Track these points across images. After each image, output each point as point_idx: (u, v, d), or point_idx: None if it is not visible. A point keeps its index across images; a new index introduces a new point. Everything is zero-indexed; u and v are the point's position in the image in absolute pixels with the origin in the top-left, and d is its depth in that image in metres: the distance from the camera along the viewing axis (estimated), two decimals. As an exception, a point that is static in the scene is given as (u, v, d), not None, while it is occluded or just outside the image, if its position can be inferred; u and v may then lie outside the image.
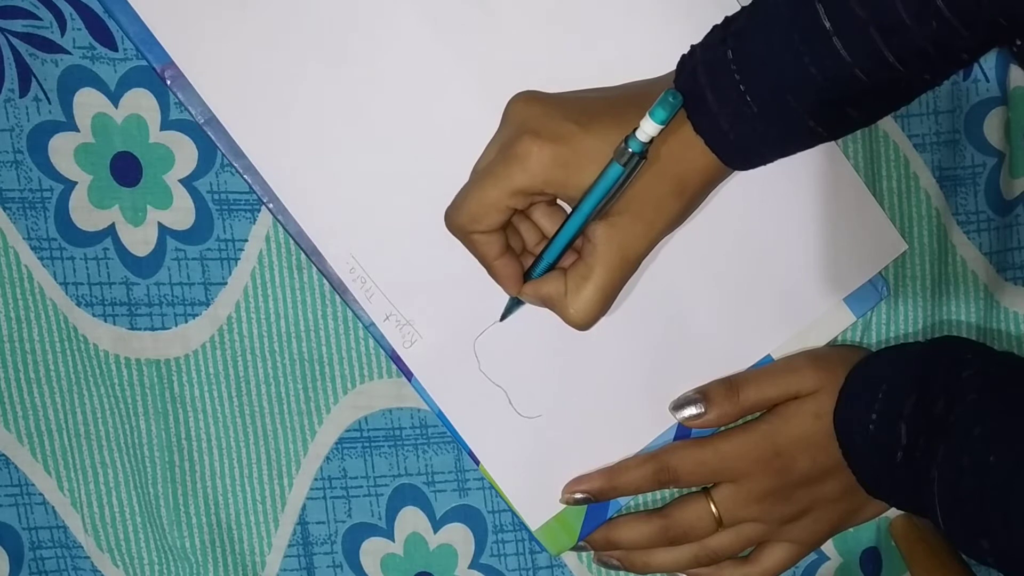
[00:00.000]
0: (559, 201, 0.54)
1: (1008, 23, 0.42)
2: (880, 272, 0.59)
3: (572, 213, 0.51)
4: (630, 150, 0.49)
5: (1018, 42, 0.47)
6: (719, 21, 0.51)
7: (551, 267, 0.54)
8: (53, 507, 0.63)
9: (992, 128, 0.58)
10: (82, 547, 0.63)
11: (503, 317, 0.58)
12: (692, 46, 0.50)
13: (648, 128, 0.48)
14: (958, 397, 0.51)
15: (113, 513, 0.63)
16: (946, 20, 0.42)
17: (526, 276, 0.54)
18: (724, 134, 0.48)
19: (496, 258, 0.53)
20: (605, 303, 0.52)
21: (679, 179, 0.50)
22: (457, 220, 0.52)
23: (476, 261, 0.54)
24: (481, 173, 0.52)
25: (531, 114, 0.51)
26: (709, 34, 0.49)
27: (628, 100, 0.51)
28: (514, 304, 0.57)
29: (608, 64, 0.56)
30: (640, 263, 0.52)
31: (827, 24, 0.44)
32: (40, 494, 0.63)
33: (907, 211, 0.59)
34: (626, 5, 0.56)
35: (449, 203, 0.53)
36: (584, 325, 0.53)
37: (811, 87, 0.46)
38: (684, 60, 0.50)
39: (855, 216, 0.58)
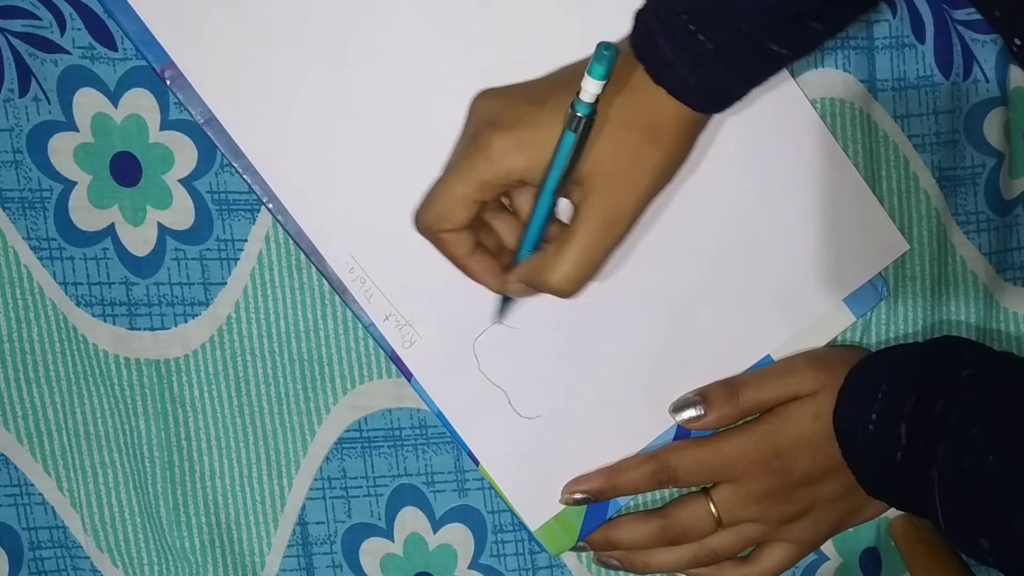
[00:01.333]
0: None
1: None
2: (880, 272, 0.59)
3: (539, 191, 0.50)
4: (578, 114, 0.48)
5: (1017, 42, 0.47)
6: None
7: (532, 252, 0.53)
8: (52, 507, 0.63)
9: (992, 128, 0.58)
10: (81, 547, 0.63)
11: (499, 318, 0.57)
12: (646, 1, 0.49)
13: (589, 87, 0.47)
14: (958, 397, 0.51)
15: (112, 513, 0.63)
16: None
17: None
18: (684, 79, 0.47)
19: (467, 255, 0.53)
20: (588, 266, 0.50)
21: (651, 126, 0.49)
22: (424, 220, 0.52)
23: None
24: (445, 170, 0.52)
25: (490, 107, 0.51)
26: None
27: (581, 67, 0.49)
28: (505, 302, 0.56)
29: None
30: (629, 223, 0.50)
31: None
32: (40, 494, 0.63)
33: (907, 211, 0.59)
34: (625, 5, 0.56)
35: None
36: (567, 290, 0.50)
37: (765, 9, 0.45)
38: (637, 15, 0.49)
39: (856, 216, 0.58)
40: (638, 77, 0.48)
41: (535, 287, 0.52)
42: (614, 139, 0.49)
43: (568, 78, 0.50)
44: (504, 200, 0.54)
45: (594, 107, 0.48)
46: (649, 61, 0.48)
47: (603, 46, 0.47)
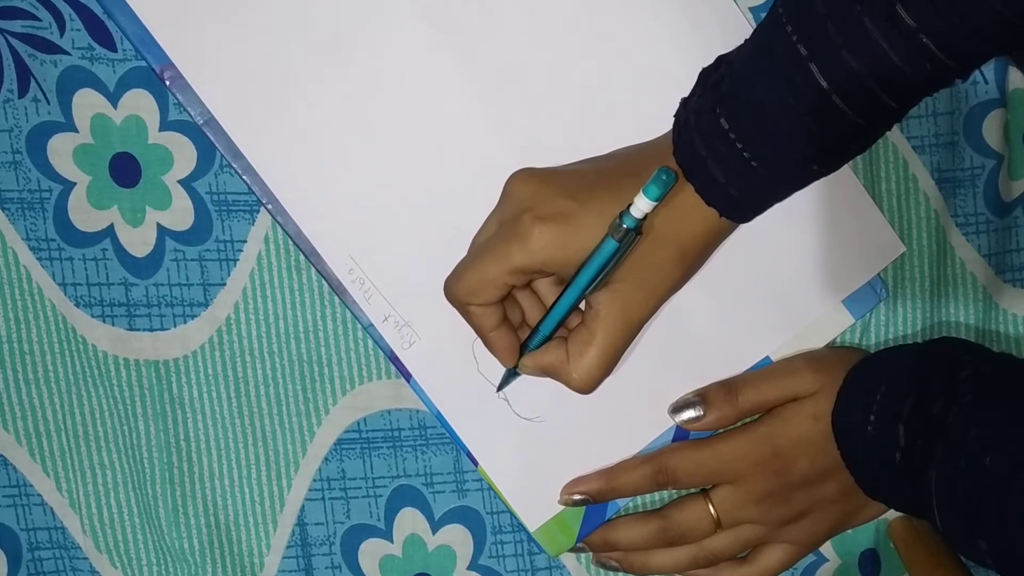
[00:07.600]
0: None
1: (1001, 52, 0.43)
2: (879, 274, 0.59)
3: (568, 287, 0.52)
4: (624, 226, 0.49)
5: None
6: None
7: (547, 339, 0.54)
8: (51, 508, 0.63)
9: (991, 130, 0.58)
10: (80, 548, 0.63)
11: (500, 388, 0.58)
12: (682, 110, 0.50)
13: (642, 205, 0.48)
14: (956, 398, 0.51)
15: (112, 514, 0.63)
16: (940, 60, 0.42)
17: (523, 348, 0.55)
18: (731, 197, 0.49)
19: (491, 330, 0.54)
20: (608, 367, 0.53)
21: (680, 246, 0.51)
22: (455, 292, 0.53)
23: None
24: (480, 248, 0.53)
25: (529, 192, 0.52)
26: (700, 97, 0.49)
27: (624, 171, 0.51)
28: (511, 375, 0.57)
29: (606, 64, 0.56)
30: (642, 327, 0.53)
31: (824, 83, 0.44)
32: (39, 495, 0.63)
33: (906, 213, 0.59)
34: (625, 5, 0.56)
35: (451, 270, 0.54)
36: (587, 389, 0.53)
37: (815, 140, 0.46)
38: (679, 129, 0.50)
39: (853, 218, 0.58)
40: (684, 196, 0.49)
41: (555, 379, 0.54)
42: (647, 253, 0.50)
43: (611, 179, 0.51)
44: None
45: (641, 223, 0.49)
46: (702, 184, 0.49)
47: (664, 172, 0.48)
